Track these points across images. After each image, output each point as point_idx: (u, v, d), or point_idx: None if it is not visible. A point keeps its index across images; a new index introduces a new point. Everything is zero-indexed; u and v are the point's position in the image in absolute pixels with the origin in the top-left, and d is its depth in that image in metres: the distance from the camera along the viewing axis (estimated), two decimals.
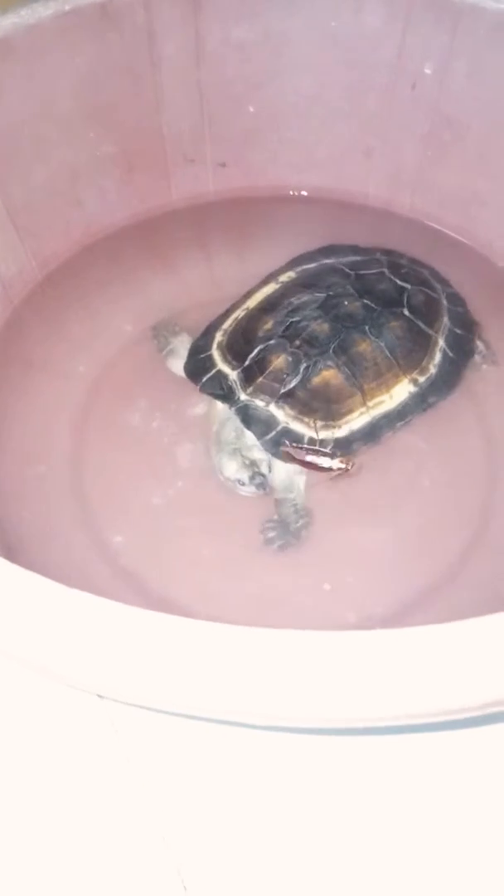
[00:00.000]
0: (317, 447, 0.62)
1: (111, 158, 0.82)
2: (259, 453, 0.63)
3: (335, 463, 0.62)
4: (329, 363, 0.63)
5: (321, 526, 0.63)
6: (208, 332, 0.70)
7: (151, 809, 0.52)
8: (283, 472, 0.65)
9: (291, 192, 0.91)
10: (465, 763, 0.54)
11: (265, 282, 0.72)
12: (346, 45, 0.79)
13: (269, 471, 0.63)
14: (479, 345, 0.73)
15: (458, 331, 0.71)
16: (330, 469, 0.62)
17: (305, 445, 0.62)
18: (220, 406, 0.66)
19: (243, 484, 0.62)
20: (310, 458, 0.62)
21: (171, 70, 0.80)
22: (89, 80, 0.76)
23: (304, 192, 0.91)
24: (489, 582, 0.61)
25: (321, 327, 0.64)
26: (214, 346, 0.68)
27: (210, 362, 0.67)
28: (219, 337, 0.69)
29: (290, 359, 0.63)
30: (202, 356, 0.68)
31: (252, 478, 0.62)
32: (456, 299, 0.74)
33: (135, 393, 0.72)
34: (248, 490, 0.62)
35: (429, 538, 0.64)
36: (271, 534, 0.62)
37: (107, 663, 0.35)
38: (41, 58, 0.71)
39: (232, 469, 0.62)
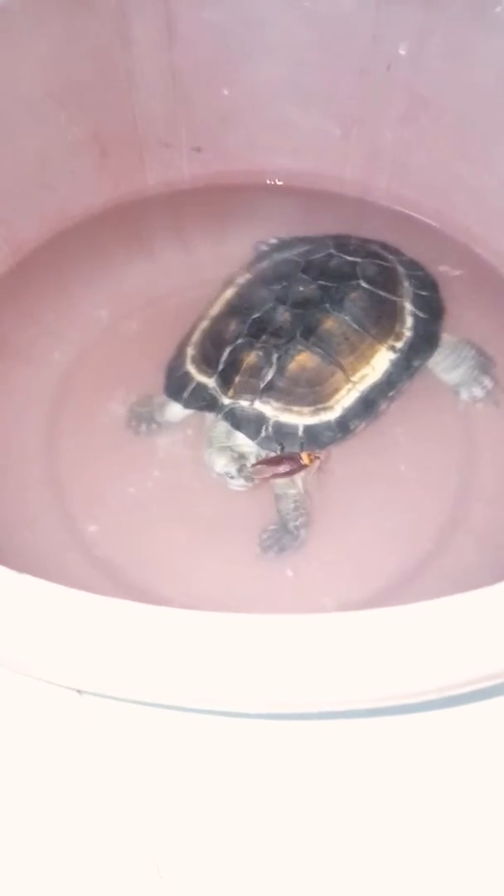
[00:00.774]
0: (280, 453, 0.62)
1: (83, 142, 0.80)
2: (248, 448, 0.63)
3: (305, 459, 0.61)
4: (299, 347, 0.63)
5: None
6: (181, 350, 0.69)
7: (129, 801, 0.52)
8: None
9: (268, 177, 0.90)
10: (445, 744, 0.54)
11: (223, 288, 0.71)
12: (320, 25, 0.78)
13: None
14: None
15: (424, 293, 0.71)
16: (304, 466, 0.61)
17: (266, 459, 0.62)
18: (208, 415, 0.66)
19: (232, 477, 0.62)
20: (281, 468, 0.61)
21: (142, 52, 0.79)
22: (58, 61, 0.74)
23: (280, 177, 0.90)
24: (465, 569, 0.61)
25: (283, 317, 0.64)
26: (188, 361, 0.67)
27: (187, 377, 0.66)
28: (190, 351, 0.68)
29: (260, 353, 0.63)
30: (179, 374, 0.67)
31: (240, 470, 0.61)
32: (413, 265, 0.74)
33: (111, 380, 0.72)
34: (238, 483, 0.62)
35: (404, 525, 0.64)
36: (267, 541, 0.62)
37: (84, 657, 0.34)
38: (6, 37, 0.69)
39: (220, 464, 0.62)
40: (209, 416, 0.66)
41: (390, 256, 0.73)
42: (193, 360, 0.67)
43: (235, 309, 0.68)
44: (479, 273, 0.81)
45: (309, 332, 0.63)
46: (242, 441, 0.63)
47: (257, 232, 0.82)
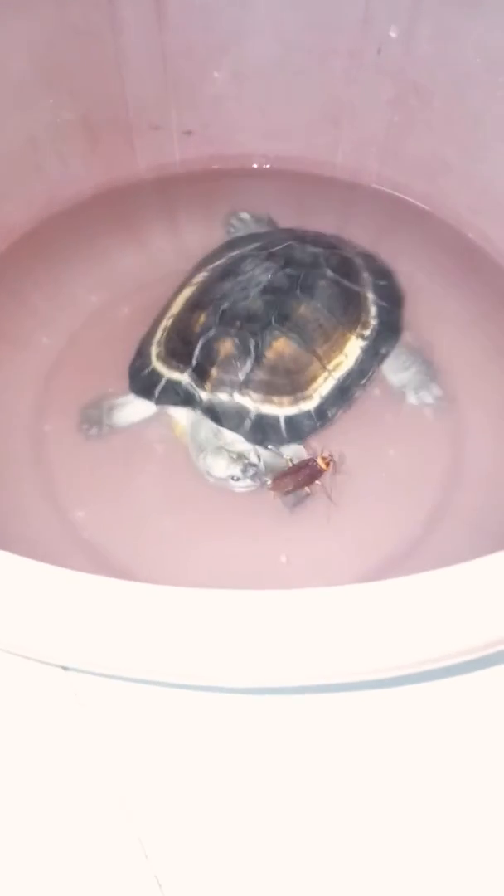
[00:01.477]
0: (295, 462, 0.61)
1: (72, 126, 0.80)
2: (243, 445, 0.61)
3: (321, 464, 0.60)
4: (276, 332, 0.62)
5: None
6: (142, 351, 0.68)
7: (114, 781, 0.52)
8: (275, 459, 0.63)
9: (259, 161, 0.90)
10: (430, 717, 0.55)
11: (180, 288, 0.70)
12: (310, 7, 0.78)
13: (260, 459, 0.61)
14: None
15: (382, 282, 0.71)
16: (322, 471, 0.60)
17: (284, 472, 0.60)
18: (182, 413, 0.64)
19: (237, 479, 0.59)
20: (300, 477, 0.60)
21: (132, 34, 0.78)
22: (46, 43, 0.74)
23: (271, 161, 0.90)
24: (453, 552, 0.61)
25: (255, 303, 0.63)
26: (154, 359, 0.66)
27: (156, 375, 0.64)
28: (155, 350, 0.66)
29: (236, 341, 0.61)
30: (146, 372, 0.65)
31: (245, 470, 0.59)
32: (368, 256, 0.74)
33: (100, 365, 0.71)
34: (244, 485, 0.59)
35: (394, 510, 0.64)
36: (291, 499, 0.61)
37: (69, 633, 0.35)
38: None
39: (221, 467, 0.59)
40: (183, 420, 0.64)
41: (347, 247, 0.73)
42: (160, 357, 0.65)
43: (200, 303, 0.65)
44: (470, 257, 0.81)
45: (284, 318, 0.62)
46: (233, 438, 0.61)
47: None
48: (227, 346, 0.61)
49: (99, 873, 0.49)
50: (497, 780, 0.53)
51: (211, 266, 0.71)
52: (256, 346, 0.61)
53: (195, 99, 0.85)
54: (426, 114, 0.79)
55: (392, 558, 0.61)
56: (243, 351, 0.61)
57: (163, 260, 0.80)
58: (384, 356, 0.68)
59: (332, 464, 0.60)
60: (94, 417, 0.67)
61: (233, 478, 0.59)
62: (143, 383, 0.65)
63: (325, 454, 0.60)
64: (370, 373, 0.66)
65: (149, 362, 0.66)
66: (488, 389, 0.71)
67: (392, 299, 0.71)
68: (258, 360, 0.61)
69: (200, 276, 0.70)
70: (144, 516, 0.63)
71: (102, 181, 0.85)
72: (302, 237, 0.71)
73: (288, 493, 0.61)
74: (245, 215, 0.81)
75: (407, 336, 0.71)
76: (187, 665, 0.35)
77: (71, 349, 0.73)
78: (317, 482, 0.61)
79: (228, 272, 0.67)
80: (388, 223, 0.84)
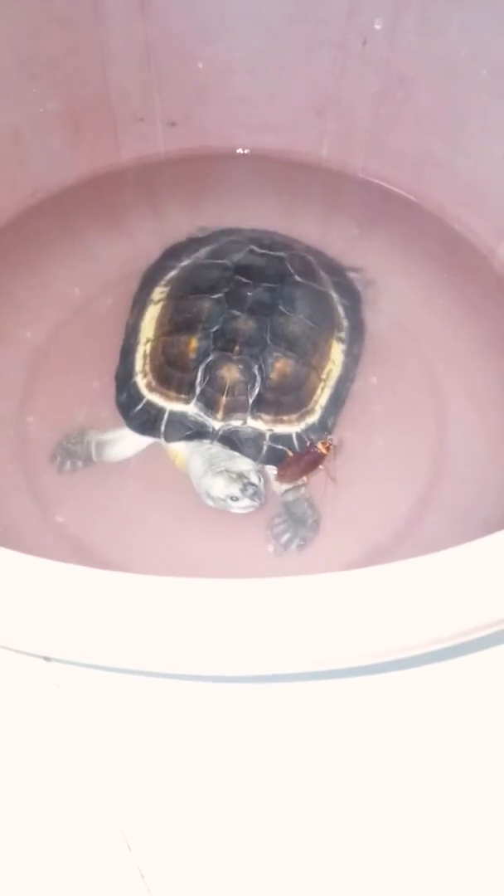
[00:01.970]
0: (298, 449, 0.61)
1: (56, 116, 0.79)
2: (245, 465, 0.59)
3: (321, 449, 0.59)
4: (276, 354, 0.61)
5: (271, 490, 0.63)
6: (125, 383, 0.64)
7: (97, 772, 0.52)
8: None
9: (243, 153, 0.89)
10: (405, 703, 0.55)
11: (140, 308, 0.68)
12: None
13: (260, 479, 0.59)
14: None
15: (336, 279, 0.72)
16: (324, 456, 0.59)
17: (286, 463, 0.60)
18: (182, 444, 0.62)
19: (236, 499, 0.57)
20: (304, 465, 0.59)
21: (115, 24, 0.78)
22: (29, 32, 0.73)
23: (256, 152, 0.89)
24: (435, 542, 0.61)
25: (247, 325, 0.61)
26: (144, 389, 0.63)
27: (154, 408, 0.61)
28: (142, 381, 0.63)
29: (240, 366, 0.60)
30: (140, 406, 0.62)
31: (244, 489, 0.56)
32: (314, 252, 0.74)
33: (84, 357, 0.71)
34: (243, 504, 0.57)
35: (380, 501, 0.64)
36: (286, 536, 0.61)
37: (51, 624, 0.34)
38: None
39: (220, 486, 0.57)
40: (181, 450, 0.62)
41: (298, 245, 0.72)
42: (151, 388, 0.62)
43: (183, 325, 0.63)
44: (456, 249, 0.81)
45: (278, 337, 0.61)
46: (240, 461, 0.60)
47: (233, 208, 0.81)
48: (232, 373, 0.60)
49: (82, 865, 0.49)
50: (484, 760, 0.53)
51: (166, 280, 0.69)
52: (260, 370, 0.60)
53: (179, 90, 0.84)
54: (411, 106, 0.79)
55: (378, 547, 0.61)
56: (249, 376, 0.60)
57: (147, 251, 0.79)
58: (358, 356, 0.68)
59: (332, 448, 0.59)
60: (75, 452, 0.63)
61: (231, 498, 0.57)
62: (142, 419, 0.61)
63: (325, 439, 0.59)
64: (352, 375, 0.67)
65: (139, 394, 0.63)
66: (473, 380, 0.71)
67: (352, 296, 0.72)
68: (264, 383, 0.60)
69: (160, 293, 0.68)
70: (128, 510, 0.63)
71: (86, 172, 0.85)
72: (258, 239, 0.70)
73: (293, 480, 0.60)
74: (209, 228, 0.78)
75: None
76: (172, 654, 0.35)
77: (54, 341, 0.72)
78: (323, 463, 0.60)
79: (196, 287, 0.65)
80: (374, 215, 0.85)
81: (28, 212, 0.81)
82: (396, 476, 0.65)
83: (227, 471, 0.58)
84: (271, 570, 0.60)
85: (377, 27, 0.75)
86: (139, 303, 0.69)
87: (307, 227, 0.82)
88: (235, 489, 0.56)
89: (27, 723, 0.53)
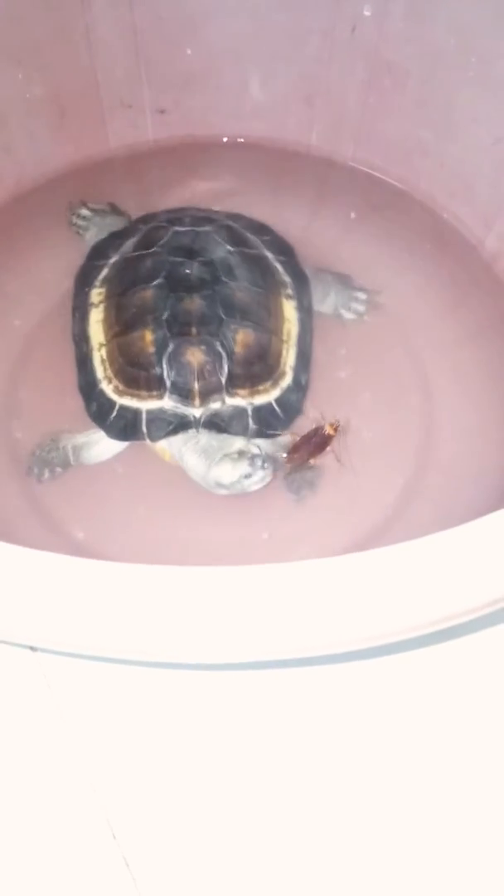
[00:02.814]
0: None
1: (42, 102, 0.78)
2: (240, 443, 0.59)
3: (329, 430, 0.60)
4: (234, 326, 0.60)
5: None
6: (91, 394, 0.63)
7: (82, 762, 0.52)
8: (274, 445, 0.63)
9: (232, 141, 0.89)
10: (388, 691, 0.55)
11: (82, 314, 0.66)
12: None
13: (260, 449, 0.59)
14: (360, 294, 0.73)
15: (265, 237, 0.72)
16: (329, 437, 0.61)
17: (295, 446, 0.61)
18: (164, 443, 0.61)
19: (249, 476, 0.56)
20: (313, 447, 0.60)
21: (102, 9, 0.77)
22: (15, 17, 0.72)
23: (245, 141, 0.89)
24: (420, 533, 0.62)
25: (196, 303, 0.60)
26: (112, 394, 0.61)
27: (129, 411, 0.60)
28: (107, 386, 0.62)
29: (203, 347, 0.59)
30: (114, 413, 0.61)
31: (252, 463, 0.56)
32: (235, 217, 0.73)
33: (72, 347, 0.71)
34: (258, 477, 0.56)
35: (367, 491, 0.64)
36: (295, 487, 0.62)
37: (37, 613, 0.34)
38: None
39: (228, 471, 0.57)
40: (169, 447, 0.62)
41: (218, 216, 0.72)
42: (119, 392, 0.61)
43: (132, 321, 0.61)
44: (445, 239, 0.81)
45: (231, 309, 0.61)
46: (227, 443, 0.59)
47: (222, 196, 0.81)
48: (197, 356, 0.59)
49: (67, 854, 0.49)
50: (476, 744, 0.54)
51: (100, 280, 0.68)
52: (223, 346, 0.60)
53: (168, 77, 0.83)
54: (400, 94, 0.78)
55: (365, 535, 0.62)
56: (214, 354, 0.59)
57: None
58: (309, 307, 0.68)
59: (338, 428, 0.61)
60: (52, 460, 0.62)
61: (245, 476, 0.56)
62: (120, 425, 0.60)
63: (332, 420, 0.61)
64: (310, 328, 0.67)
65: (110, 401, 0.61)
66: (461, 368, 0.71)
67: (284, 250, 0.72)
68: (231, 358, 0.60)
69: (98, 295, 0.67)
70: (118, 497, 0.63)
71: (72, 160, 0.84)
72: (178, 219, 0.69)
73: (303, 463, 0.61)
74: (85, 211, 0.77)
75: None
76: (160, 642, 0.35)
77: (42, 331, 0.72)
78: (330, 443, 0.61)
79: (133, 280, 0.63)
80: (363, 203, 0.84)
81: (14, 200, 0.80)
82: (383, 464, 0.66)
83: (226, 455, 0.57)
84: (259, 557, 0.60)
85: (366, 14, 0.75)
86: (79, 309, 0.67)
87: (296, 215, 0.81)
88: (245, 467, 0.56)
89: (13, 713, 0.53)
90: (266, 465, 0.56)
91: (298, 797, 0.52)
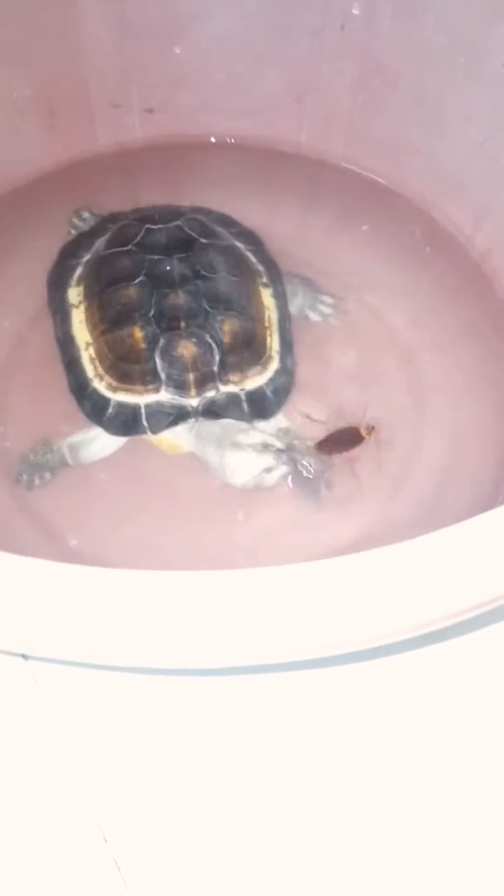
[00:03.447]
0: (338, 430, 0.63)
1: (29, 101, 0.78)
2: (257, 434, 0.60)
3: (363, 432, 0.62)
4: (220, 317, 0.62)
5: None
6: (84, 394, 0.62)
7: (73, 765, 0.52)
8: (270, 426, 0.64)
9: (223, 140, 0.88)
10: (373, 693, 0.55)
11: (63, 315, 0.66)
12: None
13: (280, 441, 0.60)
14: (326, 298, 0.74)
15: (233, 229, 0.73)
16: (360, 440, 0.62)
17: (327, 440, 0.62)
18: (175, 432, 0.62)
19: (270, 471, 0.58)
20: (340, 441, 0.62)
21: (91, 7, 0.76)
22: (2, 15, 0.72)
23: (235, 140, 0.88)
24: (409, 531, 0.62)
25: (181, 298, 0.61)
26: (107, 391, 0.62)
27: (126, 406, 0.61)
28: (100, 384, 0.62)
29: (194, 340, 0.60)
30: (111, 409, 0.61)
31: (277, 457, 0.58)
32: (202, 211, 0.74)
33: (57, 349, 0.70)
34: (279, 472, 0.58)
35: (354, 491, 0.64)
36: (305, 494, 0.62)
37: (29, 621, 0.34)
38: None
39: (250, 462, 0.58)
40: (178, 438, 0.62)
41: (185, 211, 0.72)
42: (113, 388, 0.62)
43: (118, 319, 0.62)
44: (435, 238, 0.81)
45: (214, 301, 0.62)
46: (243, 429, 0.60)
47: (213, 195, 0.80)
48: (189, 349, 0.60)
49: (58, 857, 0.49)
50: (474, 743, 0.53)
51: (75, 280, 0.68)
52: (212, 337, 0.61)
53: (156, 76, 0.83)
54: (390, 94, 0.78)
55: (352, 537, 0.61)
56: (205, 346, 0.61)
57: None
58: (283, 293, 0.70)
59: (372, 432, 0.62)
60: (44, 463, 0.62)
61: (266, 471, 0.58)
62: (120, 420, 0.61)
63: (368, 423, 0.63)
64: (287, 313, 0.69)
65: (104, 398, 0.62)
66: (452, 367, 0.71)
67: (253, 240, 0.73)
68: (220, 348, 0.61)
69: (77, 295, 0.67)
70: (108, 499, 0.63)
71: (61, 158, 0.84)
72: (143, 218, 0.70)
73: (329, 454, 0.62)
74: (86, 214, 0.78)
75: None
76: (153, 648, 0.35)
77: (31, 332, 0.71)
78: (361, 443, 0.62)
79: (113, 279, 0.64)
80: (354, 202, 0.84)
81: (2, 199, 0.80)
82: (374, 465, 0.65)
83: (245, 446, 0.59)
84: (247, 561, 0.60)
85: (355, 12, 0.75)
86: (59, 311, 0.67)
87: (287, 214, 0.81)
88: (269, 460, 0.58)
89: (4, 717, 0.53)
90: (289, 462, 0.59)
91: (289, 799, 0.51)
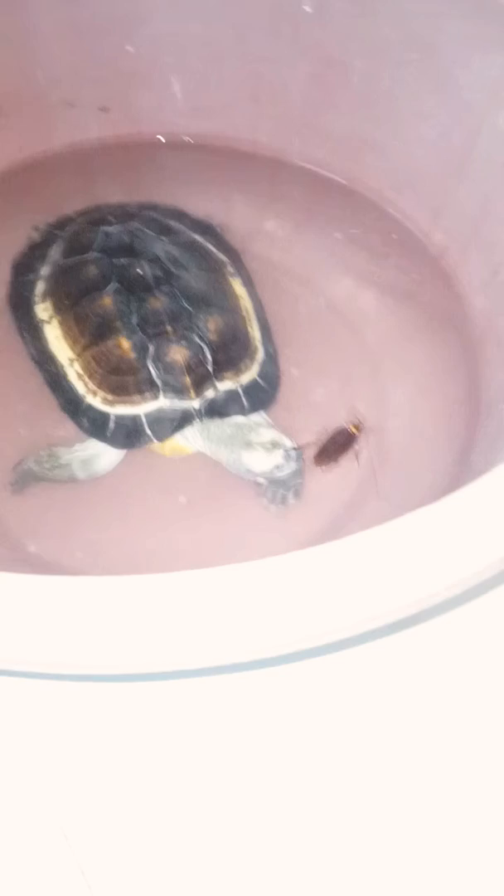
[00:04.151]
0: (330, 436, 0.64)
1: None
2: (267, 430, 0.60)
3: (352, 430, 0.64)
4: (202, 316, 0.62)
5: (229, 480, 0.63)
6: (78, 411, 0.61)
7: (36, 770, 0.51)
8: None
9: (180, 139, 0.88)
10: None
11: (35, 333, 0.65)
12: None
13: (291, 440, 0.60)
14: None
15: (187, 220, 0.73)
16: (353, 436, 0.64)
17: (322, 447, 0.63)
18: (184, 435, 0.61)
19: (280, 467, 0.58)
20: (337, 447, 0.63)
21: (40, 5, 0.75)
22: None
23: (192, 140, 0.88)
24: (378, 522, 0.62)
25: (160, 302, 0.61)
26: (104, 405, 0.61)
27: (127, 418, 0.60)
28: (94, 399, 0.61)
29: (184, 342, 0.60)
30: (111, 423, 0.60)
31: (287, 455, 0.58)
32: (151, 207, 0.74)
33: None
34: (291, 467, 0.58)
35: (323, 488, 0.64)
36: (273, 499, 0.62)
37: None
38: None
39: (261, 459, 0.58)
40: (188, 439, 0.62)
41: (139, 209, 0.72)
42: (109, 402, 0.61)
43: (101, 331, 0.61)
44: (393, 235, 0.81)
45: (193, 300, 0.62)
46: (264, 431, 0.60)
47: (170, 194, 0.80)
48: (182, 352, 0.60)
49: (21, 863, 0.48)
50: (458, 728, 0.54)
51: (39, 295, 0.67)
52: (200, 337, 0.61)
53: (110, 74, 0.82)
54: (344, 90, 0.78)
55: (322, 530, 0.62)
56: (195, 347, 0.61)
57: None
58: (250, 277, 0.70)
59: (360, 426, 0.64)
60: (55, 476, 0.61)
61: (277, 468, 0.58)
62: (123, 433, 0.60)
63: (354, 420, 0.64)
64: (258, 297, 0.69)
65: (103, 413, 0.60)
66: (409, 365, 0.71)
67: (207, 230, 0.73)
68: (210, 346, 0.61)
69: (45, 310, 0.65)
70: (78, 505, 0.62)
71: (15, 160, 0.83)
72: (96, 221, 0.69)
73: (332, 464, 0.63)
74: (43, 227, 0.76)
75: None
76: (125, 654, 0.34)
77: None
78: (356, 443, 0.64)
79: (83, 289, 0.63)
80: (312, 200, 0.84)
81: None
82: (338, 462, 0.66)
83: (255, 443, 0.59)
84: (211, 559, 0.59)
85: (307, 10, 0.75)
86: (29, 330, 0.66)
87: (246, 214, 0.81)
88: (279, 458, 0.58)
89: None
90: (299, 460, 0.59)
91: (270, 805, 0.51)
